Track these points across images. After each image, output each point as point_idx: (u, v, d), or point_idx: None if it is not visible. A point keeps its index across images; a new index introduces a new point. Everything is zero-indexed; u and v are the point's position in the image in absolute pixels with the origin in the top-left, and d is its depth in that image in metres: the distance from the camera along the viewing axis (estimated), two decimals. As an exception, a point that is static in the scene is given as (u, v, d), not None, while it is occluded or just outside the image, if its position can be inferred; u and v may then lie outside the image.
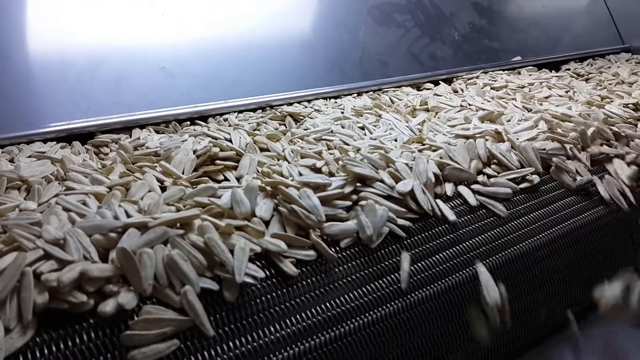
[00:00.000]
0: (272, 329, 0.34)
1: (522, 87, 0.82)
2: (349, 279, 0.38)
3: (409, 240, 0.42)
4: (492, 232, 0.46)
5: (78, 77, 0.65)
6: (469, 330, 0.43)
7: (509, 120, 0.64)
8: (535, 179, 0.51)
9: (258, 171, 0.50)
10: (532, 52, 1.06)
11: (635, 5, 1.20)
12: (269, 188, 0.42)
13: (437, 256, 0.43)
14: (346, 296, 0.38)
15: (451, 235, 0.44)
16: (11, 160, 0.52)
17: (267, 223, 0.39)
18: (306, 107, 0.72)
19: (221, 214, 0.39)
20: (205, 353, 0.32)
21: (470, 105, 0.71)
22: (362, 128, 0.62)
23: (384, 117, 0.65)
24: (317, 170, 0.49)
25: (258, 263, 0.36)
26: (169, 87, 0.69)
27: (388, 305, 0.39)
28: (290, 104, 0.73)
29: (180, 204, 0.41)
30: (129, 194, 0.43)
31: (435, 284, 0.41)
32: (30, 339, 0.29)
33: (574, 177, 0.53)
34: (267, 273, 0.36)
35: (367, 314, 0.38)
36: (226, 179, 0.50)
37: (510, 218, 0.48)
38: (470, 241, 0.45)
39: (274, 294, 0.35)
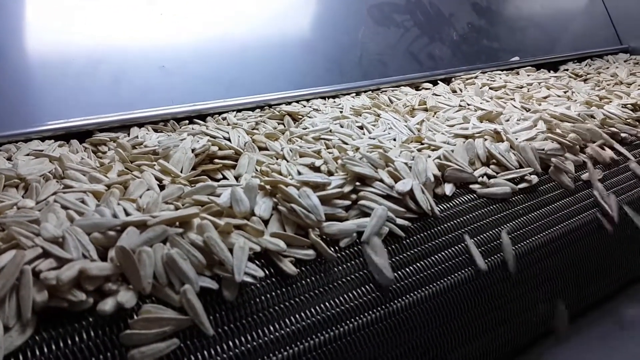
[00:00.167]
0: (271, 328, 0.34)
1: (521, 87, 0.82)
2: (348, 278, 0.38)
3: (408, 240, 0.42)
4: (491, 232, 0.46)
5: (77, 76, 0.64)
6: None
7: (507, 120, 0.64)
8: (534, 179, 0.51)
9: (257, 170, 0.50)
10: (531, 52, 1.06)
11: (633, 6, 1.20)
12: (268, 187, 0.42)
13: (436, 256, 0.43)
14: (345, 295, 0.38)
15: (450, 235, 0.44)
16: (9, 159, 0.52)
17: (266, 222, 0.39)
18: (305, 106, 0.72)
19: (220, 213, 0.39)
20: (205, 352, 0.32)
21: (469, 105, 0.71)
22: (361, 127, 0.62)
23: (383, 116, 0.65)
24: (316, 169, 0.49)
25: (257, 262, 0.36)
26: (167, 85, 0.69)
27: (387, 304, 0.39)
28: (289, 103, 0.73)
29: (179, 203, 0.41)
30: (128, 192, 0.43)
31: (434, 284, 0.41)
32: (30, 337, 0.29)
33: (572, 177, 0.53)
34: (267, 272, 0.36)
35: (366, 314, 0.38)
36: (225, 178, 0.50)
37: (509, 218, 0.48)
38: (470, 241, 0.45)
39: (273, 293, 0.35)
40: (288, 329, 0.35)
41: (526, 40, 1.09)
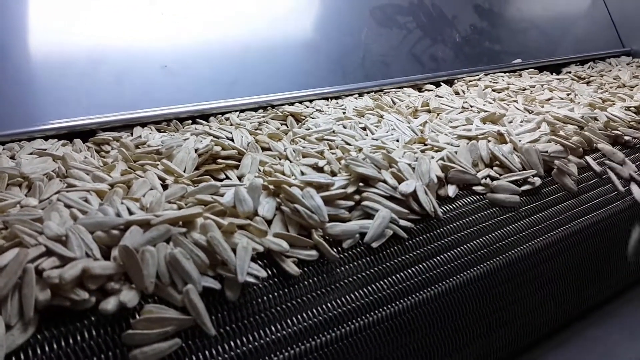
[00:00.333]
0: (273, 328, 0.34)
1: (524, 90, 0.82)
2: (351, 279, 0.38)
3: (411, 242, 0.42)
4: (493, 234, 0.46)
5: (79, 75, 0.64)
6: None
7: (510, 122, 0.64)
8: (537, 181, 0.50)
9: (260, 170, 0.50)
10: (533, 54, 1.06)
11: (635, 9, 1.20)
12: (271, 187, 0.42)
13: (439, 257, 0.43)
14: (348, 297, 0.38)
15: (453, 237, 0.44)
16: (12, 157, 0.52)
17: (269, 222, 0.39)
18: (308, 107, 0.72)
19: (223, 213, 0.39)
20: (207, 352, 0.32)
21: (471, 106, 0.71)
22: (364, 128, 0.62)
23: (386, 117, 0.65)
24: (319, 170, 0.49)
25: (260, 262, 0.36)
26: (170, 85, 0.69)
27: (390, 306, 0.39)
28: (292, 104, 0.73)
29: (182, 202, 0.41)
30: (131, 191, 0.43)
31: (437, 285, 0.41)
32: (32, 336, 0.29)
33: (575, 179, 0.53)
34: (269, 272, 0.36)
35: (368, 315, 0.38)
36: (228, 178, 0.50)
37: (512, 220, 0.48)
38: (472, 243, 0.45)
39: (275, 294, 0.35)
40: (290, 330, 0.35)
41: (528, 43, 1.09)
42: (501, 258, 0.45)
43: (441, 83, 0.88)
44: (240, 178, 0.49)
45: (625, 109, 0.67)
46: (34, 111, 0.60)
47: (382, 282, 0.39)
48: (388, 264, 0.40)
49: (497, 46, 1.04)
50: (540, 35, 1.11)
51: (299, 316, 0.35)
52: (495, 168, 0.51)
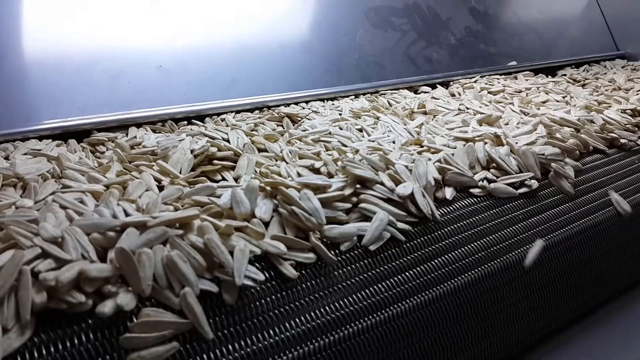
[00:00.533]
0: (271, 332, 0.34)
1: (519, 92, 0.82)
2: (349, 282, 0.38)
3: (408, 244, 0.42)
4: (491, 236, 0.46)
5: (74, 75, 0.64)
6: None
7: (507, 124, 0.64)
8: (534, 184, 0.51)
9: (256, 171, 0.50)
10: (528, 57, 1.07)
11: (629, 12, 1.21)
12: (268, 188, 0.41)
13: (437, 260, 0.42)
14: (345, 300, 0.37)
15: (450, 239, 0.44)
16: (6, 158, 0.51)
17: (266, 224, 0.39)
18: (304, 108, 0.72)
19: (220, 214, 0.38)
20: (205, 356, 0.32)
21: (468, 108, 0.71)
22: (360, 130, 0.62)
23: (382, 119, 0.65)
24: (316, 171, 0.49)
25: (257, 265, 0.36)
26: (165, 86, 0.69)
27: (388, 309, 0.38)
28: (288, 105, 0.73)
29: (178, 204, 0.40)
30: (127, 192, 0.43)
31: (435, 288, 0.41)
32: (28, 339, 0.29)
33: (572, 182, 0.53)
34: (267, 275, 0.36)
35: (367, 318, 0.37)
36: (224, 179, 0.49)
37: (509, 223, 0.48)
38: (470, 245, 0.45)
39: (273, 297, 0.35)
40: (288, 333, 0.34)
41: (523, 45, 1.09)
42: (498, 261, 0.45)
43: (437, 85, 0.88)
44: (236, 179, 0.49)
45: (622, 112, 0.68)
46: (29, 111, 0.60)
47: (380, 285, 0.39)
48: (386, 266, 0.40)
49: (492, 48, 1.04)
50: (535, 38, 1.12)
51: (297, 319, 0.35)
52: (492, 170, 0.51)
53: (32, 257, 0.31)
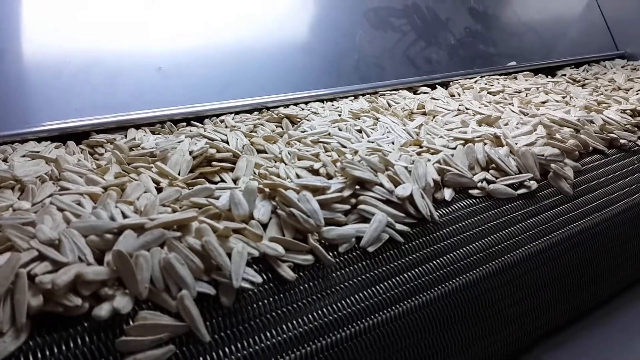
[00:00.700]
0: (268, 334, 0.34)
1: (519, 92, 0.82)
2: (347, 284, 0.38)
3: (407, 246, 0.42)
4: (490, 237, 0.46)
5: (73, 76, 0.64)
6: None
7: (506, 124, 0.64)
8: (533, 185, 0.50)
9: (255, 173, 0.50)
10: (527, 57, 1.07)
11: (629, 12, 1.20)
12: (267, 190, 0.41)
13: (435, 261, 0.42)
14: (344, 301, 0.37)
15: (449, 241, 0.44)
16: (5, 160, 0.51)
17: (265, 226, 0.39)
18: (303, 109, 0.72)
19: (218, 216, 0.38)
20: (201, 359, 0.31)
21: (467, 109, 0.71)
22: (360, 131, 0.62)
23: (382, 120, 0.65)
24: (315, 172, 0.48)
25: (255, 267, 0.36)
26: (164, 87, 0.69)
27: (386, 310, 0.38)
28: (287, 106, 0.73)
29: (176, 205, 0.40)
30: (125, 194, 0.43)
31: (434, 290, 0.41)
32: (24, 342, 0.29)
33: (571, 183, 0.53)
34: (265, 277, 0.35)
35: (365, 320, 0.37)
36: (222, 181, 0.49)
37: (508, 224, 0.48)
38: (468, 246, 0.44)
39: (271, 299, 0.35)
40: (286, 335, 0.34)
41: (523, 45, 1.09)
42: (498, 262, 0.45)
43: (436, 85, 0.88)
44: (235, 181, 0.49)
45: (621, 112, 0.67)
46: (27, 113, 0.60)
47: (378, 287, 0.39)
48: (384, 268, 0.40)
49: (491, 49, 1.04)
50: (535, 38, 1.12)
51: (295, 322, 0.35)
52: (491, 171, 0.51)
53: (29, 259, 0.31)
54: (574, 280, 0.50)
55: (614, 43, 1.21)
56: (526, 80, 0.93)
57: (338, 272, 0.38)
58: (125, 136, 0.60)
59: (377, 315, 0.38)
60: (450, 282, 0.42)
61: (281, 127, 0.65)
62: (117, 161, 0.51)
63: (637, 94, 0.79)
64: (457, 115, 0.68)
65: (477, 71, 0.95)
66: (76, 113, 0.62)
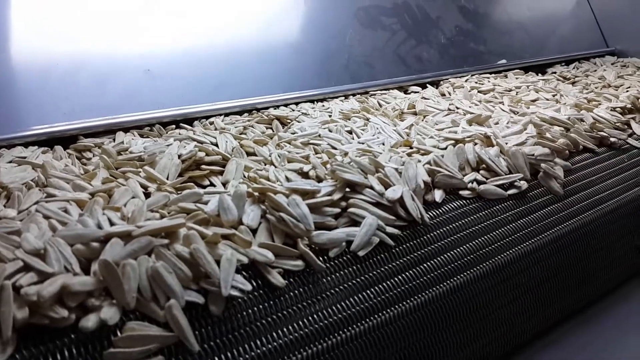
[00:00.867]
0: (259, 342, 0.34)
1: (509, 91, 0.82)
2: (338, 289, 0.38)
3: (397, 249, 0.41)
4: (480, 239, 0.46)
5: (60, 80, 0.63)
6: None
7: (496, 123, 0.63)
8: (524, 185, 0.50)
9: (244, 176, 0.49)
10: (518, 55, 1.06)
11: (619, 9, 1.21)
12: (257, 194, 0.41)
13: (426, 264, 0.42)
14: (335, 307, 0.37)
15: (440, 243, 0.44)
16: (-9, 165, 0.50)
17: (254, 231, 0.38)
18: (293, 110, 0.71)
19: (207, 221, 0.38)
20: (191, 368, 0.31)
21: (457, 108, 0.70)
22: (350, 132, 0.62)
23: (372, 120, 0.64)
24: (305, 175, 0.48)
25: (245, 274, 0.35)
26: (153, 90, 0.68)
27: (378, 315, 0.38)
28: (277, 107, 0.72)
29: (164, 211, 0.40)
30: (112, 200, 0.42)
31: (425, 293, 0.41)
32: (10, 356, 0.28)
33: (562, 183, 0.53)
34: (254, 284, 0.35)
35: (356, 325, 0.37)
36: (212, 184, 0.49)
37: (499, 225, 0.47)
38: (459, 248, 0.44)
39: (260, 306, 0.35)
40: (276, 343, 0.34)
41: (513, 43, 1.09)
42: (489, 263, 0.45)
43: (427, 85, 0.87)
44: (224, 184, 0.48)
45: (611, 110, 0.67)
46: (14, 117, 0.59)
47: (369, 291, 0.39)
48: (375, 272, 0.40)
49: (481, 47, 1.04)
50: (525, 35, 1.12)
51: (285, 329, 0.35)
52: (481, 172, 0.51)
53: (14, 270, 0.31)
54: (566, 280, 0.50)
55: (604, 40, 1.21)
56: (517, 78, 0.93)
57: (329, 277, 0.38)
58: (114, 140, 0.59)
59: (369, 319, 0.38)
60: (442, 284, 0.42)
61: (271, 128, 0.65)
62: (105, 166, 0.50)
63: (627, 91, 0.79)
64: (447, 114, 0.68)
65: (468, 70, 0.95)
66: (64, 117, 0.61)
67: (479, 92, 0.81)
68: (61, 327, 0.29)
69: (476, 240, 0.46)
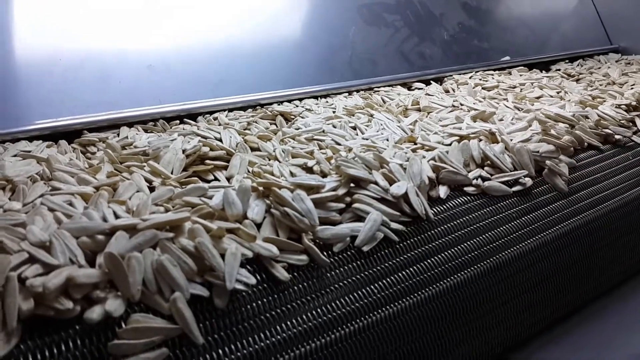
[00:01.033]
0: (263, 335, 0.34)
1: (514, 87, 0.82)
2: (342, 284, 0.38)
3: (402, 244, 0.41)
4: (485, 235, 0.46)
5: (64, 75, 0.63)
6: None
7: (501, 120, 0.63)
8: (528, 182, 0.50)
9: (249, 171, 0.49)
10: (521, 52, 1.06)
11: (623, 6, 1.20)
12: (261, 189, 0.41)
13: (430, 260, 0.42)
14: (339, 301, 0.37)
15: (444, 239, 0.44)
16: (-4, 159, 0.50)
17: (258, 225, 0.38)
18: (297, 106, 0.71)
19: (212, 215, 0.38)
20: (195, 361, 0.31)
21: (462, 105, 0.70)
22: (354, 128, 0.61)
23: (376, 116, 0.64)
24: (309, 170, 0.48)
25: (249, 267, 0.35)
26: (156, 85, 0.68)
27: (382, 310, 0.38)
28: (281, 103, 0.72)
29: (169, 205, 0.40)
30: (117, 194, 0.42)
31: (429, 288, 0.41)
32: (15, 346, 0.28)
33: (566, 180, 0.53)
34: (259, 278, 0.35)
35: (360, 320, 0.37)
36: (216, 179, 0.49)
37: (503, 221, 0.47)
38: (464, 244, 0.44)
39: (265, 300, 0.35)
40: (279, 337, 0.34)
41: (517, 40, 1.09)
42: (493, 259, 0.45)
43: (431, 81, 0.87)
44: (229, 179, 0.48)
45: (616, 107, 0.67)
46: (18, 112, 0.59)
47: (373, 286, 0.39)
48: (379, 267, 0.40)
49: (485, 44, 1.04)
50: (528, 32, 1.11)
51: (289, 322, 0.35)
52: (486, 168, 0.51)
53: (19, 262, 0.31)
54: (570, 277, 0.50)
55: (608, 37, 1.21)
56: (520, 75, 0.92)
57: (333, 272, 0.38)
58: (118, 134, 0.59)
59: (372, 314, 0.38)
60: (446, 280, 0.42)
61: (275, 124, 0.65)
62: (109, 160, 0.50)
63: (632, 88, 0.79)
64: (451, 111, 0.68)
65: (472, 66, 0.95)
66: (68, 111, 0.61)
67: (483, 88, 0.81)
68: (66, 319, 0.29)
69: (480, 237, 0.45)
